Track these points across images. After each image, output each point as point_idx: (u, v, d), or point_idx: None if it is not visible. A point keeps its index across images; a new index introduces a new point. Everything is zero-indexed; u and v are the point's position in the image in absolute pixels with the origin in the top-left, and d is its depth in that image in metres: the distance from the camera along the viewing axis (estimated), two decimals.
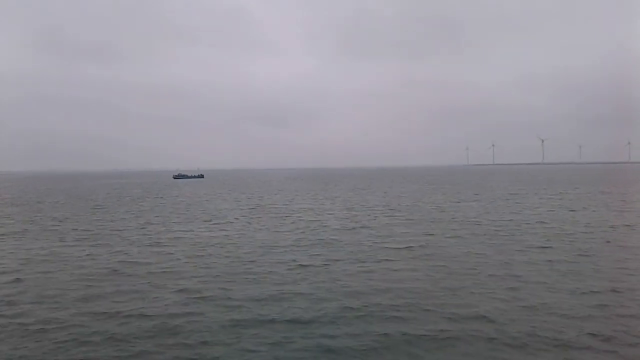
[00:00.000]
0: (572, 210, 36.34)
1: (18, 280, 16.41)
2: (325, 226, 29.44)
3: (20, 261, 19.75)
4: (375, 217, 34.17)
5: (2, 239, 26.31)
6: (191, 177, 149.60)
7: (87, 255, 20.87)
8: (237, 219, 34.57)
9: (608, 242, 22.14)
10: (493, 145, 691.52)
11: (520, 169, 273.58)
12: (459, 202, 46.71)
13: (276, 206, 45.11)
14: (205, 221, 33.42)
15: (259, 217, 35.20)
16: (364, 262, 18.60)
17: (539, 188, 69.20)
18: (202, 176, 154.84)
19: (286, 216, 35.78)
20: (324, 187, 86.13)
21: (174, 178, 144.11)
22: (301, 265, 18.04)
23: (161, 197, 62.22)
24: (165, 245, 23.15)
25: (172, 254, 20.92)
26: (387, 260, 18.83)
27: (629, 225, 27.52)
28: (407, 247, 21.53)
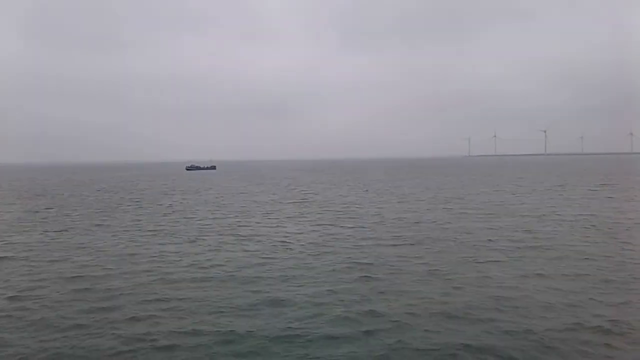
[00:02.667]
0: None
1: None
2: (396, 220, 27.56)
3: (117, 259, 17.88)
4: (432, 209, 32.31)
5: (61, 233, 24.48)
6: (204, 168, 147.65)
7: (176, 253, 18.96)
8: (294, 212, 32.70)
9: None
10: (495, 136, 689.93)
11: (525, 160, 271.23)
12: (514, 194, 44.84)
13: (320, 198, 43.14)
14: (263, 214, 31.54)
15: (316, 211, 33.28)
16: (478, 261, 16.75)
17: (577, 179, 67.33)
18: (214, 167, 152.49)
19: (343, 209, 33.85)
20: (350, 178, 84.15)
21: (187, 169, 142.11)
22: (428, 266, 16.13)
23: (192, 191, 60.38)
24: (259, 243, 21.26)
25: (268, 254, 19.05)
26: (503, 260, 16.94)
27: None
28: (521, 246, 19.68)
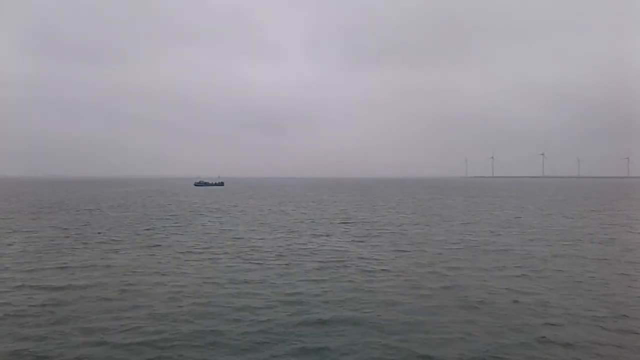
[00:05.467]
0: None
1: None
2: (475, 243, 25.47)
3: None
4: (497, 232, 30.26)
5: (115, 251, 22.16)
6: (212, 184, 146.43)
7: (269, 281, 16.70)
8: (352, 235, 30.53)
9: None
10: (492, 157, 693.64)
11: (523, 182, 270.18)
12: (572, 217, 42.91)
13: (363, 218, 40.95)
14: (317, 236, 29.38)
15: (372, 234, 31.14)
16: None
17: (607, 203, 65.72)
18: (222, 184, 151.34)
19: (400, 231, 31.71)
20: (373, 197, 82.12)
21: (195, 185, 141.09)
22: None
23: (218, 208, 58.22)
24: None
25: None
26: None
27: None
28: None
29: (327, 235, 29.74)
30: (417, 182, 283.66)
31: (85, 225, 35.83)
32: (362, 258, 21.54)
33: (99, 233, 31.08)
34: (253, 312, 13.16)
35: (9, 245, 25.45)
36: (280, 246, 25.12)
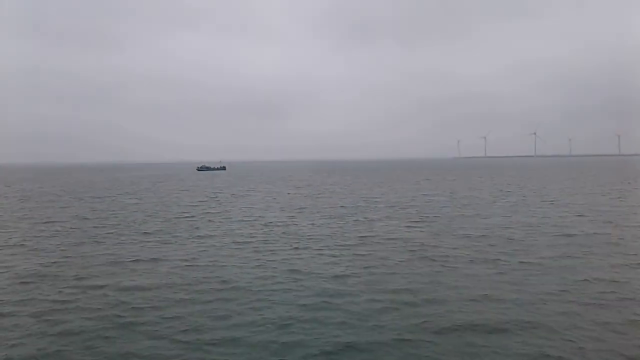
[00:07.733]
0: None
1: None
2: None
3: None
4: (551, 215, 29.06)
5: (163, 242, 20.52)
6: (214, 169, 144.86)
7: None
8: (407, 222, 29.12)
9: None
10: (485, 138, 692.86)
11: (515, 162, 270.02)
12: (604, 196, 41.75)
13: (398, 201, 39.52)
14: (359, 222, 27.94)
15: (417, 218, 29.78)
16: None
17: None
18: (224, 168, 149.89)
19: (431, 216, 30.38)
20: (383, 179, 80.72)
21: (198, 170, 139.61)
22: None
23: (238, 194, 56.62)
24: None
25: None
26: None
27: None
28: None
29: (371, 220, 28.33)
30: (414, 163, 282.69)
31: (109, 214, 34.04)
32: (416, 241, 20.17)
33: (133, 221, 29.46)
34: (354, 305, 11.74)
35: (47, 237, 23.73)
36: (333, 234, 23.66)
